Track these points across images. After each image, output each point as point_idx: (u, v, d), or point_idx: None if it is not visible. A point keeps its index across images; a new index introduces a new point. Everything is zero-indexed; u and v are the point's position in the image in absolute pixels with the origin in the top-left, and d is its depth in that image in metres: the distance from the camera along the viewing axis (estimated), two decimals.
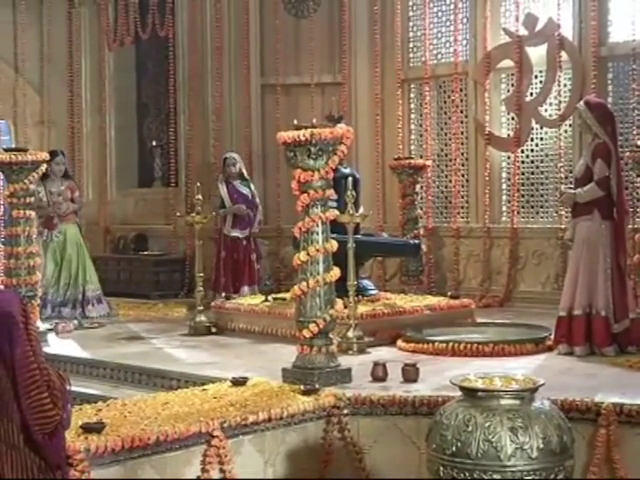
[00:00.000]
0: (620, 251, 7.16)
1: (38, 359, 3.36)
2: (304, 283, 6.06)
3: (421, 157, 11.31)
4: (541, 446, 4.30)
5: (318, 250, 6.06)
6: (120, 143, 13.71)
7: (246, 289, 10.43)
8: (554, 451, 4.33)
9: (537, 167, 10.75)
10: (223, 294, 9.87)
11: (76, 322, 9.61)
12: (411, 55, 11.78)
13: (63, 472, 3.52)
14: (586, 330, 7.15)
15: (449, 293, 9.54)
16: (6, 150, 8.31)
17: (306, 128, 6.10)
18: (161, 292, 11.99)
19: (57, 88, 13.51)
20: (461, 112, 11.19)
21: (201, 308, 8.96)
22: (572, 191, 7.33)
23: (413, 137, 11.78)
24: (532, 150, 10.75)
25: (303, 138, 6.00)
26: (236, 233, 10.66)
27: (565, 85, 10.34)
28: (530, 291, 10.40)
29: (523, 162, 10.77)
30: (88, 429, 4.72)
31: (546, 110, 10.54)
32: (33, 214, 8.39)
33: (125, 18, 12.92)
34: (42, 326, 8.57)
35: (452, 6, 11.19)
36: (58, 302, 10.08)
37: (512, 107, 10.69)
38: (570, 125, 10.26)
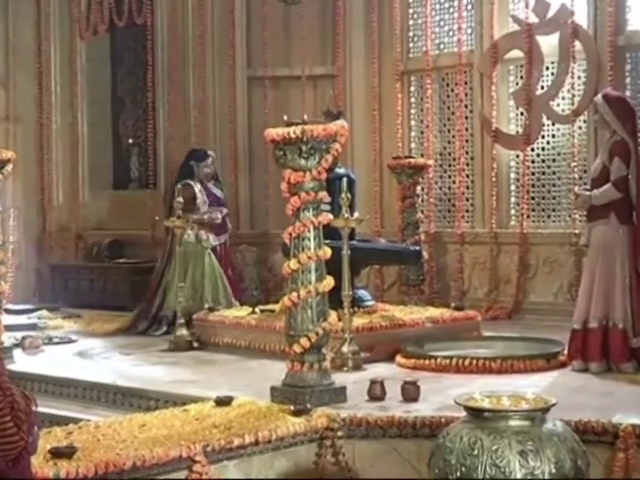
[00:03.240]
0: (639, 258, 7.16)
1: (0, 378, 3.34)
2: (295, 293, 6.06)
3: (422, 156, 11.32)
4: (553, 471, 4.30)
5: (310, 257, 6.05)
6: (93, 141, 13.69)
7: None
8: (567, 476, 4.33)
9: (549, 167, 10.76)
10: (206, 306, 9.85)
11: (44, 336, 9.58)
12: (411, 45, 11.79)
13: None
14: (602, 344, 7.15)
15: (453, 304, 9.54)
16: None
17: (297, 124, 6.10)
18: (139, 303, 11.94)
19: (24, 81, 13.50)
20: (466, 107, 11.21)
21: (182, 321, 8.96)
22: (587, 193, 7.34)
23: (413, 134, 11.79)
24: (543, 148, 10.77)
25: (293, 135, 5.99)
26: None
27: (579, 77, 10.36)
28: (541, 302, 10.40)
29: (533, 161, 10.78)
30: (58, 454, 4.70)
31: (558, 105, 10.55)
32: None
33: (99, 4, 12.90)
34: (7, 341, 8.55)
35: None
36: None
37: (521, 101, 10.70)
38: (585, 121, 10.28)
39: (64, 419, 6.44)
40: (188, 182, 10.04)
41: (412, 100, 11.82)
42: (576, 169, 10.27)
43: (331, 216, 6.67)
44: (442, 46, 11.54)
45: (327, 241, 6.34)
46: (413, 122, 11.80)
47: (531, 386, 6.26)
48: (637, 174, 7.16)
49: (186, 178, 10.08)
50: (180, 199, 9.12)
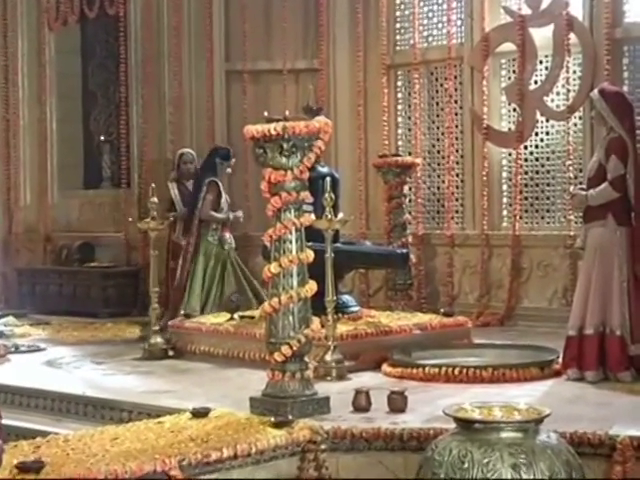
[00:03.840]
0: (637, 261, 7.17)
1: None
2: (275, 299, 6.05)
3: (410, 154, 11.32)
4: None
5: (291, 261, 6.05)
6: (63, 138, 13.65)
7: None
8: None
9: (542, 166, 10.78)
10: (182, 312, 9.85)
11: (10, 345, 9.54)
12: (398, 37, 11.80)
13: None
14: (599, 352, 7.16)
15: (442, 310, 9.55)
16: None
17: (278, 121, 6.10)
18: (110, 310, 11.94)
19: None
20: (455, 102, 11.22)
21: (156, 328, 8.94)
22: (583, 192, 7.35)
23: (400, 131, 11.80)
24: (537, 146, 10.79)
25: (274, 132, 5.99)
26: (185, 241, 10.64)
27: (574, 72, 10.38)
28: (535, 307, 10.42)
29: (526, 160, 10.80)
30: (25, 469, 4.69)
31: (553, 100, 10.58)
32: None
33: None
34: None
35: None
36: None
37: (514, 97, 10.72)
38: (580, 117, 10.31)
39: (31, 432, 6.41)
40: (214, 180, 10.10)
41: (399, 95, 11.83)
42: (571, 168, 10.28)
43: (314, 217, 6.67)
44: (431, 39, 11.55)
45: (309, 243, 6.34)
46: (400, 119, 11.81)
47: (524, 396, 6.28)
48: (635, 173, 7.18)
49: (210, 175, 10.14)
50: (155, 199, 9.06)
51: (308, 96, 9.63)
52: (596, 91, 7.49)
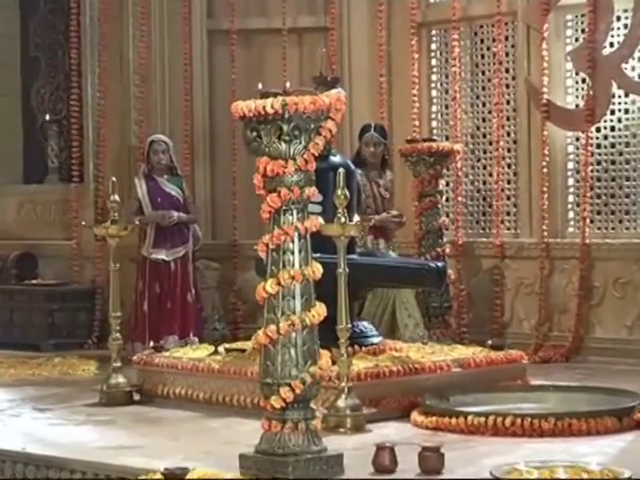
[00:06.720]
0: None
1: None
2: (273, 327, 6.06)
3: (447, 139, 11.34)
4: None
5: (293, 277, 6.06)
6: None
7: (171, 340, 10.39)
8: None
9: (620, 154, 10.79)
10: (151, 343, 9.87)
11: None
12: None
13: None
14: None
15: (489, 341, 9.56)
16: None
17: (276, 95, 6.11)
18: (58, 341, 11.96)
19: None
20: (506, 72, 11.25)
21: (118, 364, 8.95)
22: None
23: (435, 109, 11.83)
24: (613, 128, 10.80)
25: (271, 110, 6.01)
26: (160, 255, 10.65)
27: None
28: (610, 338, 10.43)
29: (599, 146, 10.82)
30: None
31: (633, 69, 10.60)
32: None
33: None
34: None
35: None
36: None
37: (583, 64, 10.74)
38: None
39: None
40: None
41: (433, 62, 11.86)
42: None
43: (322, 220, 6.69)
44: None
45: (317, 255, 6.35)
46: (434, 92, 11.84)
47: (596, 454, 6.28)
48: None
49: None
50: (116, 197, 9.08)
51: (320, 63, 9.63)
52: None
